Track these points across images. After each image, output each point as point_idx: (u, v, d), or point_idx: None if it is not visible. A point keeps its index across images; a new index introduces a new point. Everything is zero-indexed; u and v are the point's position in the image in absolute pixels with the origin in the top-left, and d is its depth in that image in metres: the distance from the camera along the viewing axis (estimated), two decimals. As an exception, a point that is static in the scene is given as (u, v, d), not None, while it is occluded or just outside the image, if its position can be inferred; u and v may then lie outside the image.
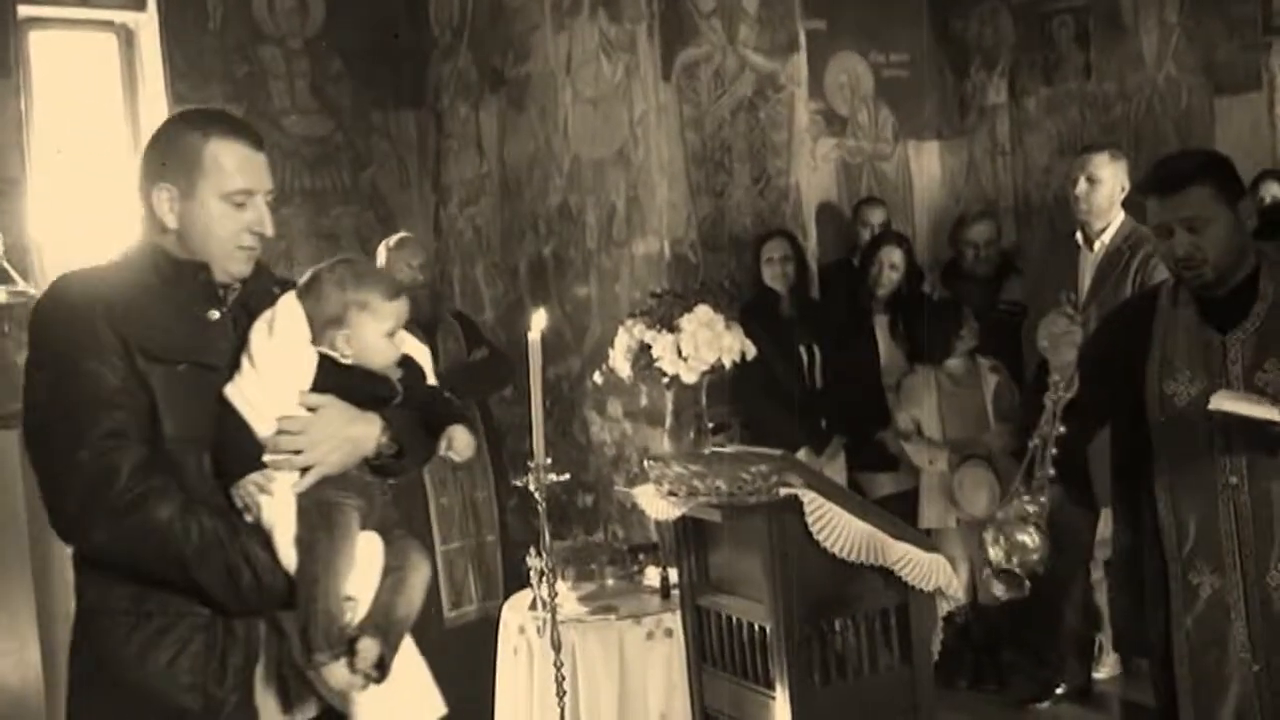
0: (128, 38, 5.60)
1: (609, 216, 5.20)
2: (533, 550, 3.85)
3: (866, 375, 4.96)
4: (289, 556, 2.15)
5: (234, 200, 2.20)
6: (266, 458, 2.17)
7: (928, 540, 3.37)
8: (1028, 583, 2.71)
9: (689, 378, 4.01)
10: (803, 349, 4.89)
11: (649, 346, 4.00)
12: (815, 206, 5.54)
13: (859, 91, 6.49)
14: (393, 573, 2.27)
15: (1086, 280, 4.47)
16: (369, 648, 2.18)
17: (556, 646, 3.37)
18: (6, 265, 4.36)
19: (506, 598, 4.26)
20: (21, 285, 4.32)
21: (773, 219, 5.13)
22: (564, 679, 3.37)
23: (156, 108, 5.45)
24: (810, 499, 2.99)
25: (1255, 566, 2.72)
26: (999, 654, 4.92)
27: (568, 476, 3.50)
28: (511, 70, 5.67)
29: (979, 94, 6.51)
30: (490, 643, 4.09)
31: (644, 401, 4.91)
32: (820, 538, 2.98)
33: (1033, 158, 6.27)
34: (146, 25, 5.53)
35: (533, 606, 3.93)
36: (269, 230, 2.25)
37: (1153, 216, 2.81)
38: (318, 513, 2.17)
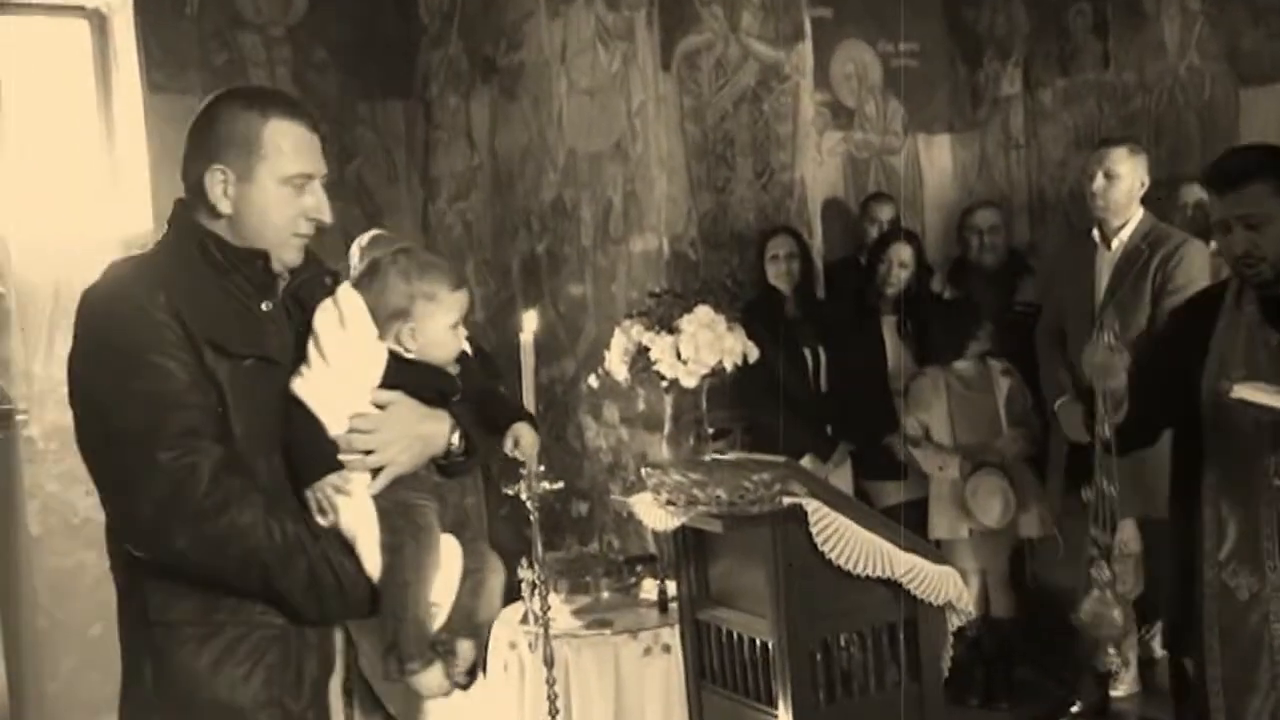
0: (101, 24, 5.59)
1: (605, 212, 5.21)
2: (524, 561, 3.85)
3: (873, 378, 4.96)
4: (374, 562, 2.12)
5: (294, 184, 2.16)
6: (342, 457, 2.13)
7: (937, 552, 3.39)
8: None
9: (689, 381, 4.01)
10: (807, 351, 4.89)
11: (647, 349, 4.01)
12: (821, 202, 5.54)
13: (867, 82, 6.49)
14: (471, 575, 2.26)
15: (1104, 280, 4.47)
16: (467, 650, 2.19)
17: (549, 663, 3.37)
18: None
19: (497, 611, 4.26)
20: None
21: (776, 215, 5.13)
22: (556, 697, 3.38)
23: (130, 97, 5.45)
24: (815, 508, 2.99)
25: None
26: (1012, 671, 4.93)
27: (561, 484, 3.51)
28: (504, 59, 5.67)
29: (992, 85, 6.51)
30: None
31: (641, 406, 4.91)
32: (825, 549, 2.99)
33: (1048, 151, 6.27)
34: (120, 11, 5.52)
35: (524, 620, 3.93)
36: (327, 217, 2.22)
37: (1213, 212, 2.88)
38: (402, 515, 2.15)
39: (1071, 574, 4.64)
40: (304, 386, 2.14)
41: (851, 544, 3.01)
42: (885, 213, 5.79)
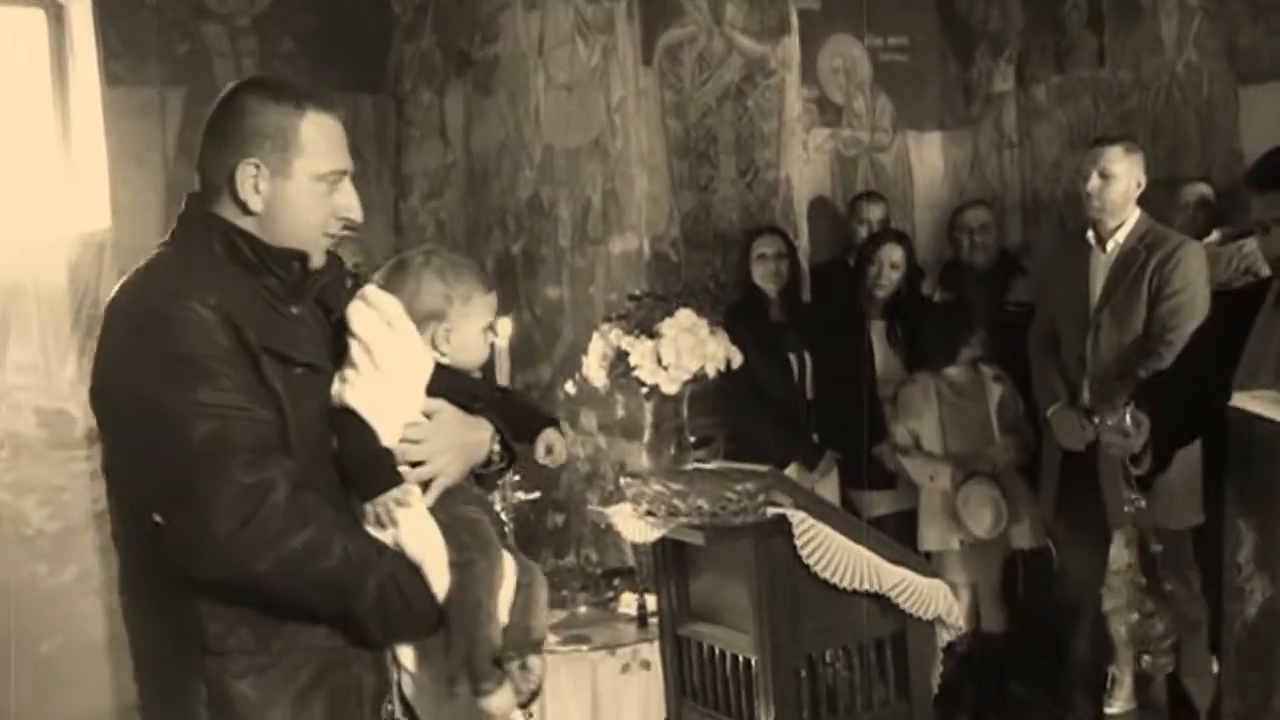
0: (57, 14, 5.57)
1: (584, 211, 5.20)
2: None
3: (861, 384, 4.96)
4: (443, 581, 2.09)
5: (328, 180, 2.11)
6: (402, 469, 2.10)
7: (927, 564, 3.39)
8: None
9: (670, 388, 4.02)
10: (792, 356, 4.89)
11: (626, 354, 4.01)
12: (807, 202, 5.56)
13: (855, 78, 6.50)
14: (523, 590, 2.24)
15: (1098, 283, 4.49)
16: (537, 666, 2.18)
17: (523, 680, 3.36)
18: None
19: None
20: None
21: (761, 215, 5.14)
22: (532, 716, 3.37)
23: (88, 90, 5.43)
24: (800, 520, 2.99)
25: None
26: (1004, 687, 4.94)
27: (537, 494, 3.51)
28: (479, 52, 5.67)
29: (984, 81, 6.54)
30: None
31: (620, 413, 4.90)
32: (811, 562, 2.99)
33: (1042, 150, 6.29)
34: (78, 1, 5.50)
35: (498, 636, 3.93)
36: (359, 216, 2.16)
37: (1254, 212, 2.94)
38: (466, 531, 2.13)
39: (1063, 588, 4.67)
40: (354, 395, 2.08)
41: (838, 556, 3.01)
42: (874, 213, 5.80)
